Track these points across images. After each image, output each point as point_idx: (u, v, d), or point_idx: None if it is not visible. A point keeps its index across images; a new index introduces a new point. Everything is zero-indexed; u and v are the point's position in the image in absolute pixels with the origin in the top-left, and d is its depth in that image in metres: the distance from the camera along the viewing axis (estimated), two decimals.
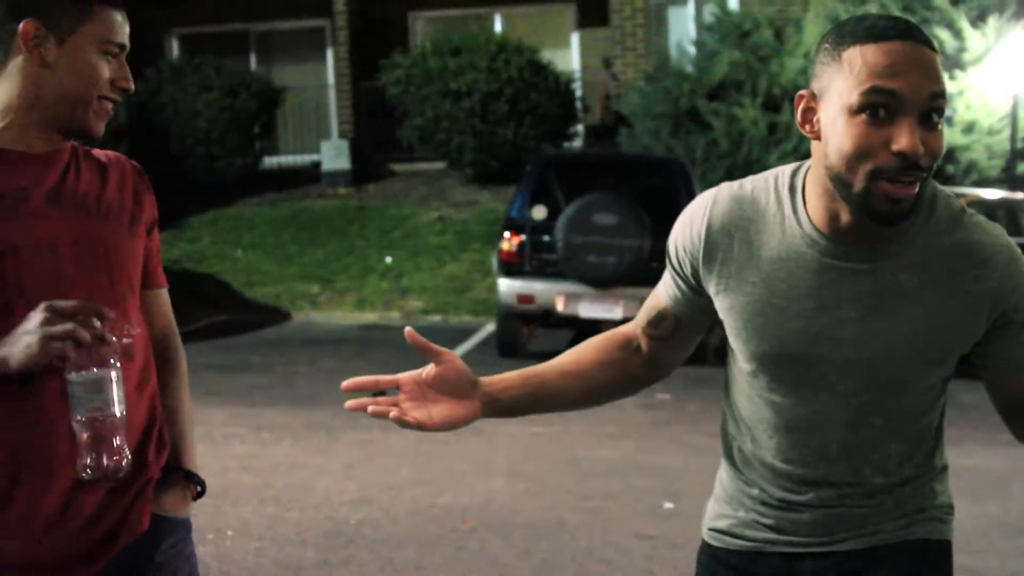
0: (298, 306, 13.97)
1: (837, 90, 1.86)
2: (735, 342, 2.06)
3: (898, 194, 1.82)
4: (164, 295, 2.41)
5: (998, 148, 14.55)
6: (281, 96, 18.76)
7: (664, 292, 2.19)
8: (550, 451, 7.29)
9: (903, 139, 1.80)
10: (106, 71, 2.15)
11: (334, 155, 17.97)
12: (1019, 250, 1.97)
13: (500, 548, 5.45)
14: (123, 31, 2.18)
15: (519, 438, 7.64)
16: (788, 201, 2.00)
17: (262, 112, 18.32)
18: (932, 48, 1.84)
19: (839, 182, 1.87)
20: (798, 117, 1.94)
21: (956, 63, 14.71)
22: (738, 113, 14.67)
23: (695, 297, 2.12)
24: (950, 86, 14.39)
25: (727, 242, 2.02)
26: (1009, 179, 14.01)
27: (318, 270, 14.78)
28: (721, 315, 2.08)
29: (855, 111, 1.82)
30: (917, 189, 1.84)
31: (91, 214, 2.17)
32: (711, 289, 2.07)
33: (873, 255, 1.94)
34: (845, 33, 1.87)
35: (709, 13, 16.84)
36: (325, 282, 14.52)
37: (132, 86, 2.20)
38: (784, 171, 2.04)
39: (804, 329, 1.97)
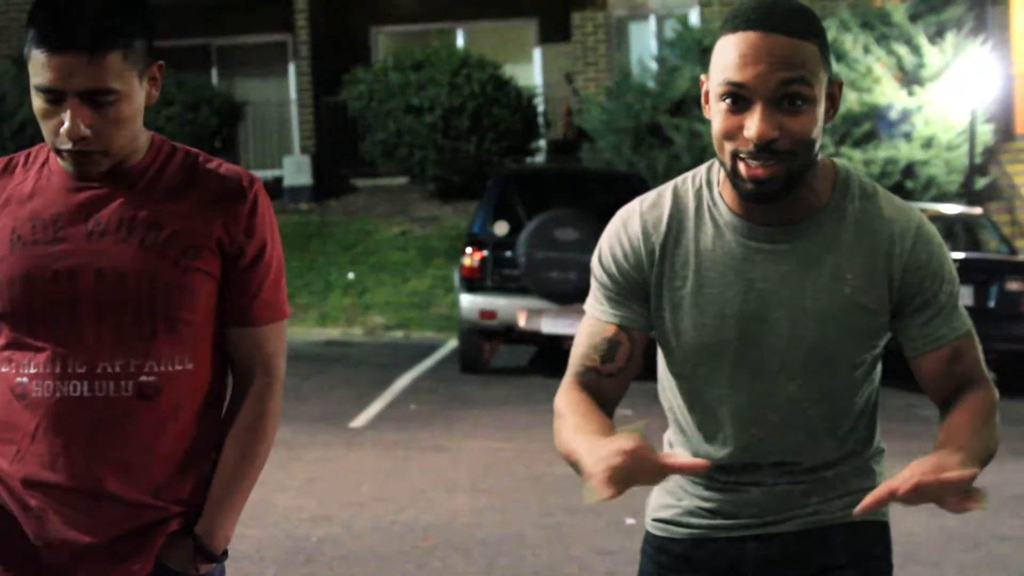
0: None
1: (711, 77, 1.97)
2: (673, 340, 2.09)
3: (753, 174, 1.93)
4: (251, 334, 2.24)
5: (956, 163, 14.69)
6: (242, 111, 18.70)
7: (609, 316, 2.10)
8: (512, 467, 7.28)
9: (751, 126, 1.90)
10: (49, 118, 2.02)
11: (296, 170, 17.93)
12: (930, 228, 2.05)
13: (461, 565, 5.42)
14: (49, 74, 1.98)
15: (481, 454, 7.62)
16: (707, 195, 2.08)
17: (223, 127, 18.27)
18: (794, 34, 1.91)
19: (720, 161, 2.00)
20: (702, 100, 2.02)
21: (915, 79, 14.85)
22: (700, 128, 14.73)
23: (645, 309, 2.10)
24: (909, 102, 14.54)
25: (662, 243, 2.07)
26: (967, 194, 14.15)
27: None
28: (657, 317, 2.09)
29: (718, 99, 1.94)
30: (777, 170, 1.92)
31: (127, 243, 2.08)
32: (652, 293, 2.08)
33: (792, 234, 2.03)
34: (726, 19, 1.96)
35: (670, 29, 16.94)
36: (287, 297, 14.45)
37: (77, 132, 2.00)
38: (699, 170, 2.13)
39: (739, 314, 2.03)
